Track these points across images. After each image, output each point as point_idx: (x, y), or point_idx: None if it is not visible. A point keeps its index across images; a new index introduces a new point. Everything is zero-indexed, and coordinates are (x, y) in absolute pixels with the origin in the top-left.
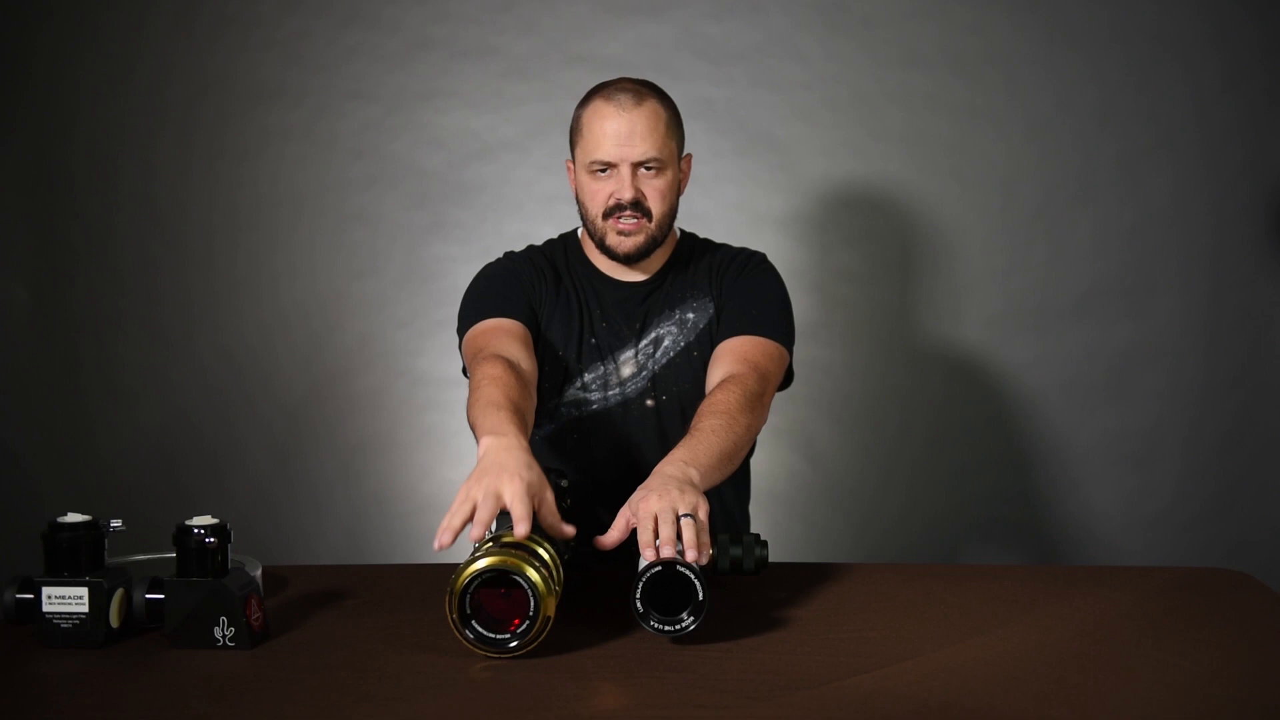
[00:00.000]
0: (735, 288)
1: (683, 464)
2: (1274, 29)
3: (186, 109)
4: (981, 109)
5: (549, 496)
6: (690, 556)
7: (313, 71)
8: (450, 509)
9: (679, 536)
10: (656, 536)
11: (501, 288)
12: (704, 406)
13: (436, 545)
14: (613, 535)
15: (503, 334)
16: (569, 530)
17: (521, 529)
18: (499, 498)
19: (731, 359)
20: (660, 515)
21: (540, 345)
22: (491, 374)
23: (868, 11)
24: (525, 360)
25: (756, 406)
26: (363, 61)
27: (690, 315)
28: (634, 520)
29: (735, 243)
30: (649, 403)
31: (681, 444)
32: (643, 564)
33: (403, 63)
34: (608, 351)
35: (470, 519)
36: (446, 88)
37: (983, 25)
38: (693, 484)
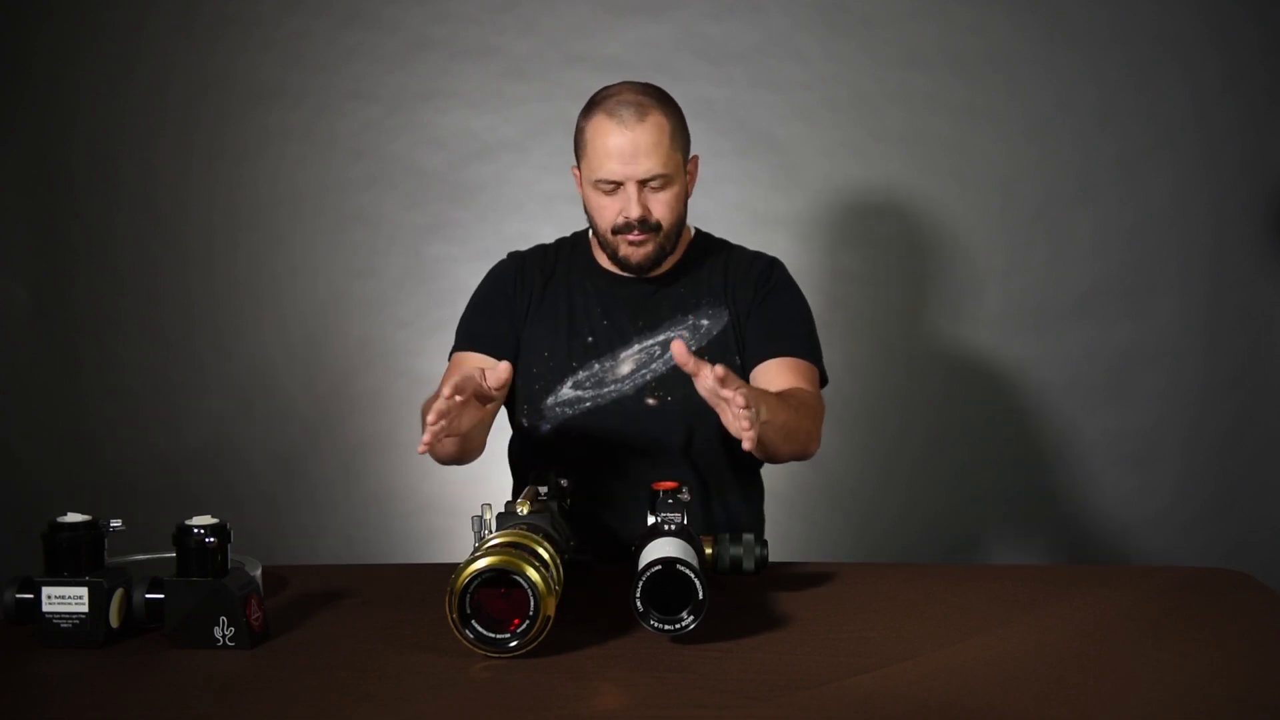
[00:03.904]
0: (762, 302)
1: (759, 390)
2: (1274, 29)
3: (186, 109)
4: (981, 109)
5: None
6: (744, 426)
7: (313, 71)
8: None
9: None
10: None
11: (486, 311)
12: (789, 391)
13: (420, 449)
14: (688, 358)
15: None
16: (499, 374)
17: (446, 389)
18: (439, 393)
19: (795, 376)
20: (736, 391)
21: (524, 350)
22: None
23: (868, 11)
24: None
25: (818, 426)
26: (363, 61)
27: (705, 322)
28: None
29: (737, 244)
30: (650, 401)
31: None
32: (642, 563)
33: (403, 63)
34: (605, 349)
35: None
36: (446, 88)
37: (983, 25)
38: (763, 397)
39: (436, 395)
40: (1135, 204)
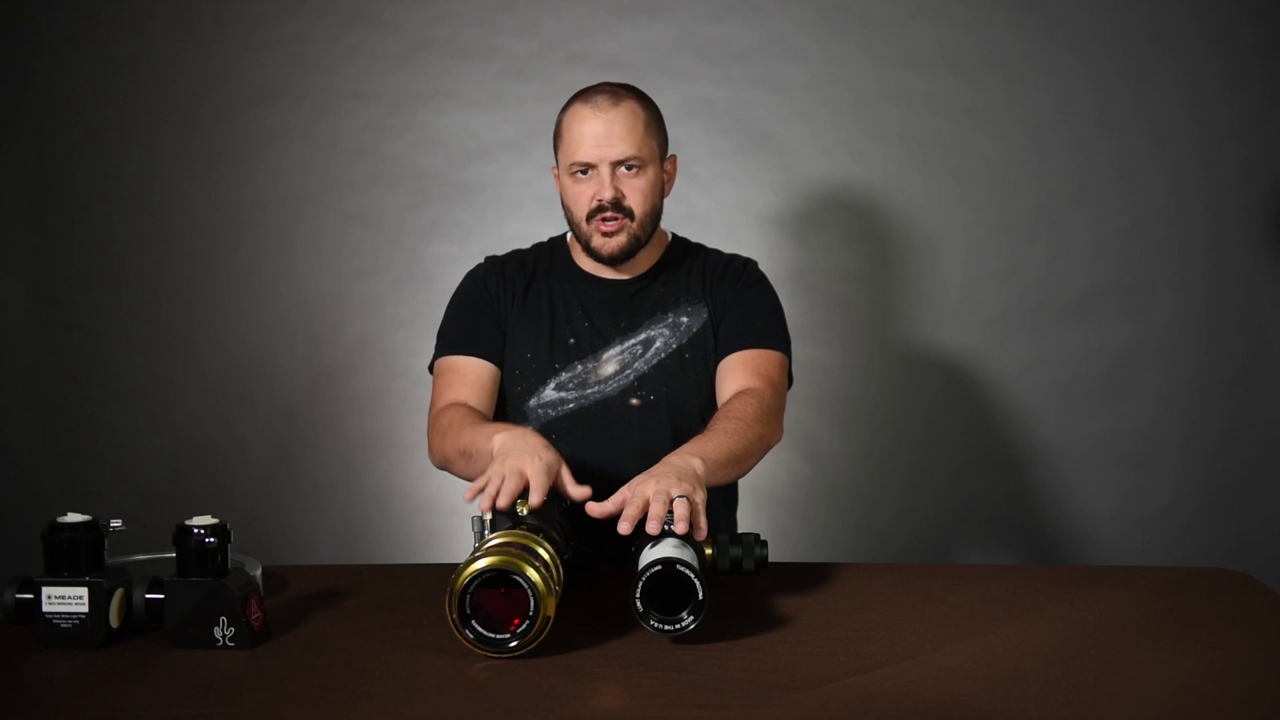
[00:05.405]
0: (734, 298)
1: (689, 455)
2: (1274, 29)
3: (186, 109)
4: (981, 109)
5: (565, 471)
6: (680, 529)
7: (313, 71)
8: (478, 482)
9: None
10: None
11: (471, 313)
12: (720, 412)
13: (467, 497)
14: (606, 507)
15: (463, 381)
16: (582, 491)
17: (535, 498)
18: (522, 474)
19: (745, 372)
20: (653, 496)
21: (507, 351)
22: (456, 412)
23: (868, 11)
24: (483, 407)
25: (772, 420)
26: (363, 61)
27: (685, 319)
28: (629, 498)
29: (734, 243)
30: (634, 401)
31: (692, 440)
32: (643, 563)
33: (403, 63)
34: (588, 350)
35: (498, 493)
36: (446, 88)
37: (983, 25)
38: (695, 473)
39: (512, 468)
40: (1135, 204)
